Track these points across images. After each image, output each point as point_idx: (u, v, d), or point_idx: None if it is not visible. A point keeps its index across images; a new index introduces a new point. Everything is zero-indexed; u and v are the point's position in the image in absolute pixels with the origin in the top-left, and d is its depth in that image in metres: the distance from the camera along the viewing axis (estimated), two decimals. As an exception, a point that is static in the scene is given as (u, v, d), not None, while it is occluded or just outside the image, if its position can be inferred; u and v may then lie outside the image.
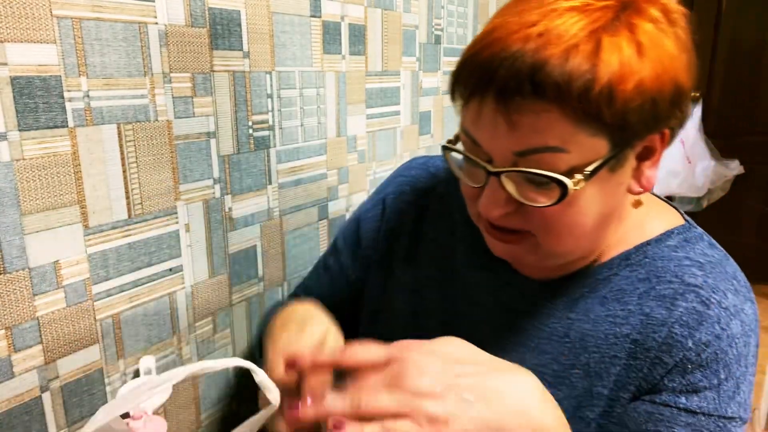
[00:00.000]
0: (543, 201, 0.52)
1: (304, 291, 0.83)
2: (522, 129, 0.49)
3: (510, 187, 0.53)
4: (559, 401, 0.54)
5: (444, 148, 0.59)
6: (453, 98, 0.57)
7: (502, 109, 0.49)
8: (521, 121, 0.49)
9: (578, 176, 0.50)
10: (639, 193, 0.57)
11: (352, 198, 1.08)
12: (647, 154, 0.54)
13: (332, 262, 0.81)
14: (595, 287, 0.62)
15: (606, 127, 0.49)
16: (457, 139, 0.58)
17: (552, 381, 0.62)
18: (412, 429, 0.45)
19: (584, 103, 0.47)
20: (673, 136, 0.54)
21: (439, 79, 1.29)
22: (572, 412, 0.61)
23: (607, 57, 0.47)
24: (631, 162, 0.53)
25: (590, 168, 0.50)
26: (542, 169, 0.50)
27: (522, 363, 0.64)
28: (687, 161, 2.54)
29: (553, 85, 0.47)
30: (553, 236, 0.55)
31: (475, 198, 0.58)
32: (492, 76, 0.49)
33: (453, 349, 0.52)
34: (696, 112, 2.57)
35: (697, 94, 2.58)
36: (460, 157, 0.58)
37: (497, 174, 0.52)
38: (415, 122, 1.24)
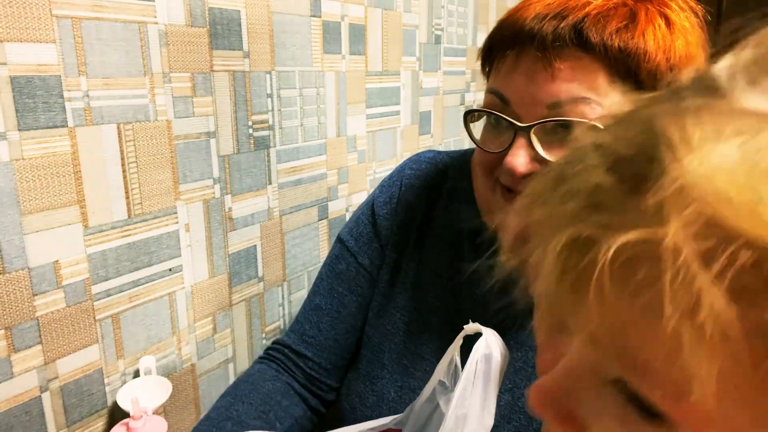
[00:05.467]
0: None
1: (314, 310, 0.76)
2: (561, 77, 0.51)
3: (537, 144, 0.54)
4: None
5: (468, 112, 0.60)
6: (486, 60, 0.58)
7: (544, 59, 0.52)
8: (563, 69, 0.51)
9: None
10: None
11: (352, 198, 1.07)
12: None
13: (345, 266, 0.75)
14: None
15: (639, 88, 0.51)
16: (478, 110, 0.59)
17: None
18: None
19: (624, 56, 0.50)
20: None
21: (439, 79, 1.29)
22: None
23: (643, 22, 0.51)
24: None
25: None
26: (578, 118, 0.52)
27: (525, 363, 0.64)
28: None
29: (596, 37, 0.50)
30: None
31: (494, 167, 0.58)
32: (536, 28, 0.52)
33: None
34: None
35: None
36: (477, 132, 0.59)
37: (527, 128, 0.54)
38: (415, 122, 1.24)
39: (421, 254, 0.73)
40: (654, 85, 0.51)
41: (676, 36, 0.52)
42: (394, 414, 0.68)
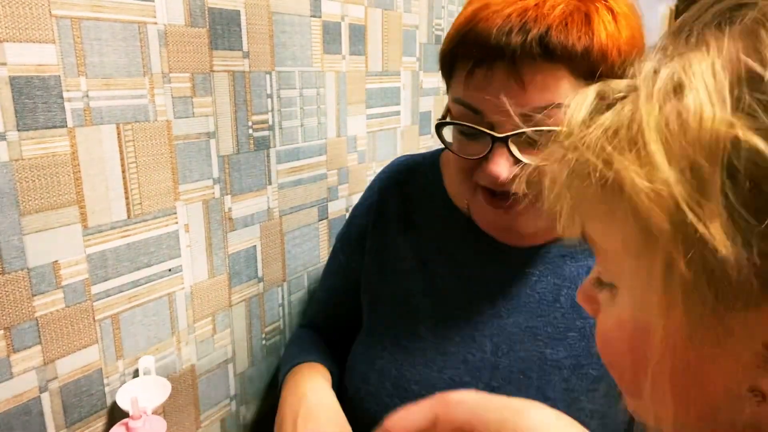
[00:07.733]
0: None
1: (317, 304, 0.91)
2: (534, 89, 0.55)
3: (516, 151, 0.57)
4: (560, 360, 0.62)
5: (439, 124, 0.63)
6: (449, 73, 0.62)
7: (514, 72, 0.55)
8: (533, 82, 0.55)
9: None
10: None
11: (352, 198, 1.07)
12: None
13: (335, 266, 0.86)
14: (580, 253, 0.67)
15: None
16: (445, 116, 0.62)
17: (549, 342, 0.65)
18: None
19: (587, 61, 0.54)
20: None
21: (440, 79, 1.29)
22: (573, 369, 0.64)
23: (597, 22, 0.55)
24: None
25: None
26: (550, 126, 0.54)
27: (517, 327, 0.68)
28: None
29: (560, 47, 0.54)
30: None
31: (471, 171, 0.62)
32: (504, 43, 0.55)
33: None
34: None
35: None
36: (449, 139, 0.63)
37: (505, 138, 0.57)
38: (416, 122, 1.24)
39: (404, 245, 0.77)
40: (612, 77, 0.54)
41: (622, 26, 0.56)
42: (397, 390, 0.69)
